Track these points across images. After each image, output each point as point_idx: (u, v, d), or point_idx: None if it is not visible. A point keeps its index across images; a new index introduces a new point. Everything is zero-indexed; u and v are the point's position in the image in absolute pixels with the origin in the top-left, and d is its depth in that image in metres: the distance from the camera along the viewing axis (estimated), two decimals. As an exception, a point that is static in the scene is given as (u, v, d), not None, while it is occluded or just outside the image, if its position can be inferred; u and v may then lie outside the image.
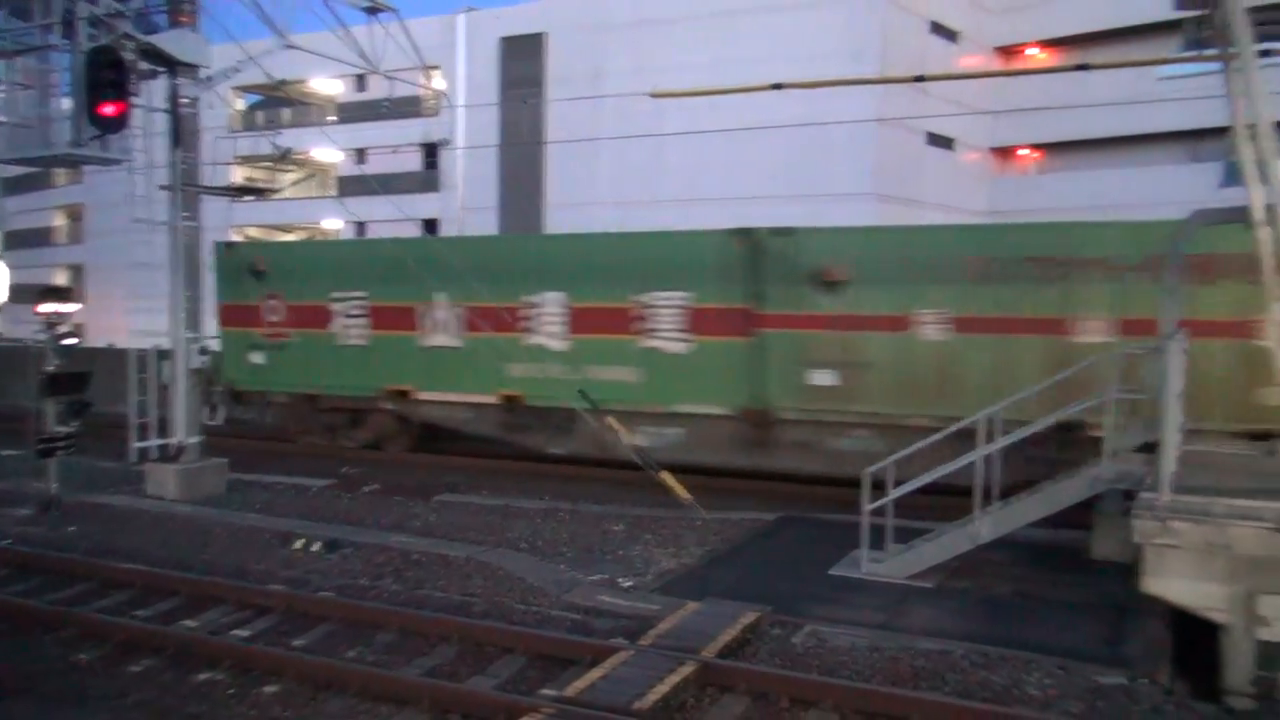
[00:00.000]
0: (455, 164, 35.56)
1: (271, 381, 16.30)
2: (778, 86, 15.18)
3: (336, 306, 15.67)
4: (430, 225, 34.93)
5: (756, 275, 12.94)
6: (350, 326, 15.61)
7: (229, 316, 16.59)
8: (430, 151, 37.20)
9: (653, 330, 13.59)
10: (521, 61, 34.46)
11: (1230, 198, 8.51)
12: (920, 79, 14.40)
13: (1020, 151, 35.35)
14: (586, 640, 7.56)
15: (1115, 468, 8.58)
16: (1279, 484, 7.52)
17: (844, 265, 12.50)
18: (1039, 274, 11.73)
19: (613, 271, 13.80)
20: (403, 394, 15.19)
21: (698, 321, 13.29)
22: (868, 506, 9.20)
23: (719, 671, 6.89)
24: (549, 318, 14.27)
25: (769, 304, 12.92)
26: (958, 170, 33.24)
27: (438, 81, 33.62)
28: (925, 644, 7.62)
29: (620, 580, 9.52)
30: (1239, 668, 6.53)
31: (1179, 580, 6.74)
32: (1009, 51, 34.23)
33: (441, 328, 14.87)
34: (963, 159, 33.79)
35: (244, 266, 16.28)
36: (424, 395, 15.05)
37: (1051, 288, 11.71)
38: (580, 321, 14.00)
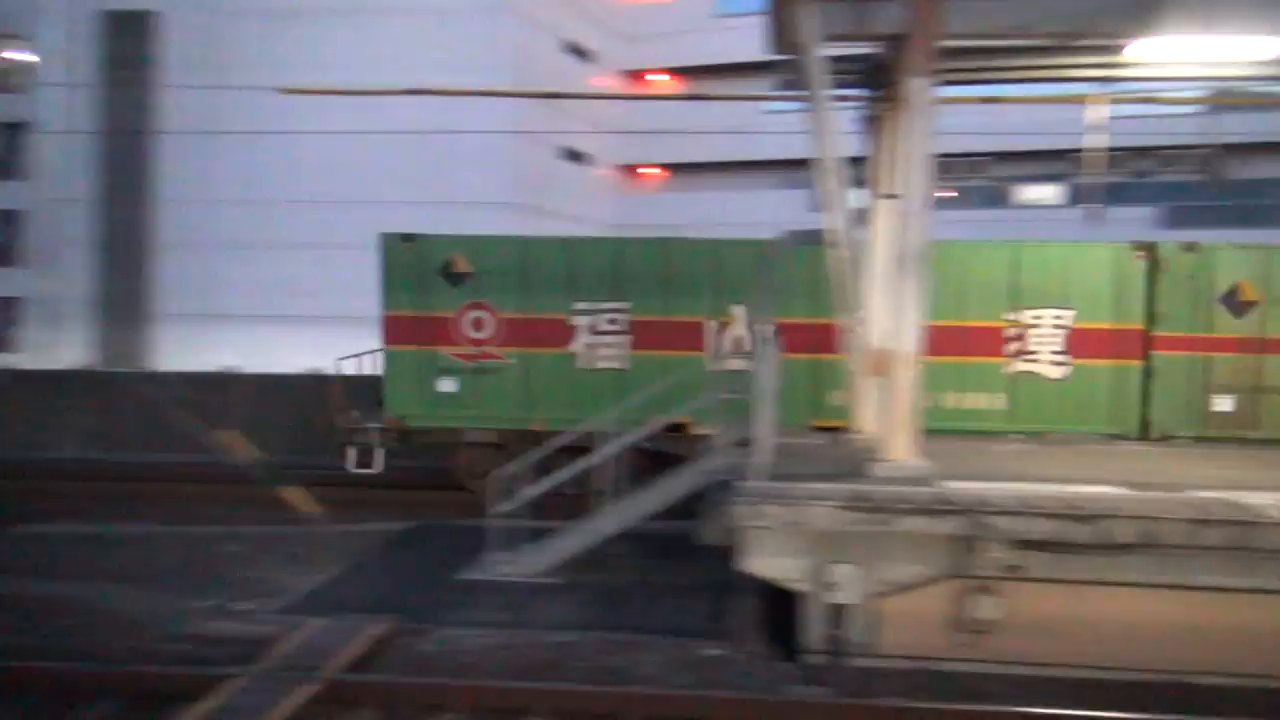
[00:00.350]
0: (44, 149, 31.25)
1: (468, 416, 12.90)
2: (415, 92, 15.16)
3: (580, 320, 12.77)
4: (6, 217, 30.46)
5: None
6: (599, 346, 12.77)
7: (400, 331, 12.91)
8: (11, 134, 32.38)
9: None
10: (127, 40, 31.05)
11: (817, 221, 9.77)
12: (553, 95, 14.98)
13: (647, 170, 37.90)
14: (195, 671, 6.98)
15: (720, 461, 9.45)
16: (844, 468, 8.78)
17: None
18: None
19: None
20: (679, 428, 11.56)
21: None
22: (497, 510, 9.44)
23: (344, 687, 6.68)
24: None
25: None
26: (590, 185, 34.92)
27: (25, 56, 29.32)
28: (553, 637, 7.98)
29: (237, 604, 8.91)
30: (814, 629, 7.49)
31: (768, 558, 7.58)
32: (637, 76, 36.57)
33: (739, 348, 12.20)
34: (595, 174, 35.56)
35: (431, 267, 12.84)
36: (704, 429, 10.97)
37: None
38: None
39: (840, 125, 9.23)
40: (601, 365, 12.71)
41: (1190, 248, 12.12)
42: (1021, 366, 12.24)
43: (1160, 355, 12.12)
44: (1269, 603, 7.34)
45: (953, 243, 12.04)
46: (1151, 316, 12.09)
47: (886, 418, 8.80)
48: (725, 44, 32.77)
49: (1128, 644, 7.44)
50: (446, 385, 12.82)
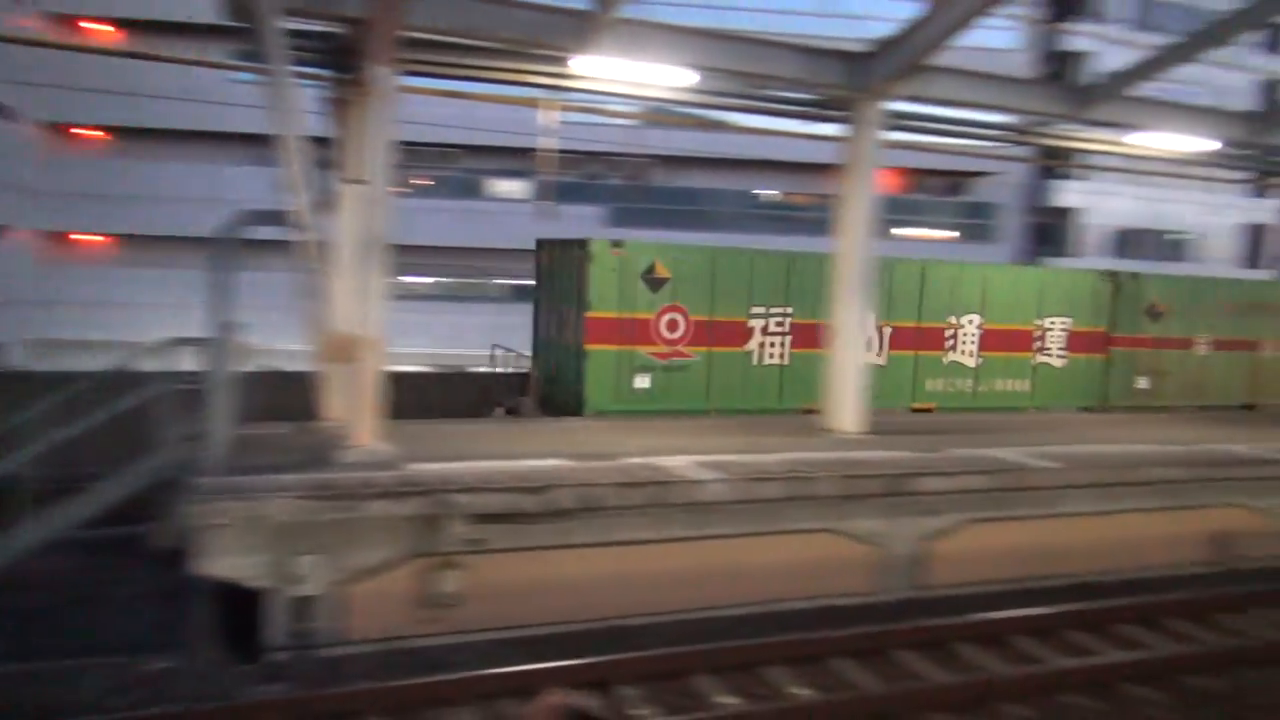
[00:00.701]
0: None
1: (654, 408, 13.30)
2: None
3: (755, 323, 13.77)
4: None
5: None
6: (769, 345, 13.88)
7: (601, 332, 12.95)
8: None
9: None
10: None
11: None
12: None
13: (87, 132, 33.19)
14: None
15: (170, 457, 8.66)
16: (308, 457, 8.58)
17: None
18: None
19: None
20: (811, 411, 12.94)
21: None
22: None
23: None
24: (965, 337, 15.13)
25: None
26: (7, 142, 29.67)
27: None
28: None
29: None
30: (279, 625, 7.24)
31: (227, 557, 7.15)
32: (70, 22, 31.78)
33: (869, 346, 13.45)
34: (16, 130, 30.29)
35: (634, 271, 13.09)
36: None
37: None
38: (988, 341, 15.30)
39: (303, 103, 8.93)
40: (768, 362, 13.93)
41: (1134, 276, 16.43)
42: (1040, 359, 15.71)
43: (1116, 350, 16.24)
44: (681, 549, 8.70)
45: (1001, 266, 17.25)
46: (1111, 323, 16.16)
47: (352, 403, 8.77)
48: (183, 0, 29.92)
49: (577, 600, 8.31)
50: (642, 382, 13.29)
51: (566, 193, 27.63)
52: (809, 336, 13.75)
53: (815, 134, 13.63)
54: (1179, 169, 16.77)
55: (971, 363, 15.33)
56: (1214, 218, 41.33)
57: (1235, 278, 21.07)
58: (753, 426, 12.46)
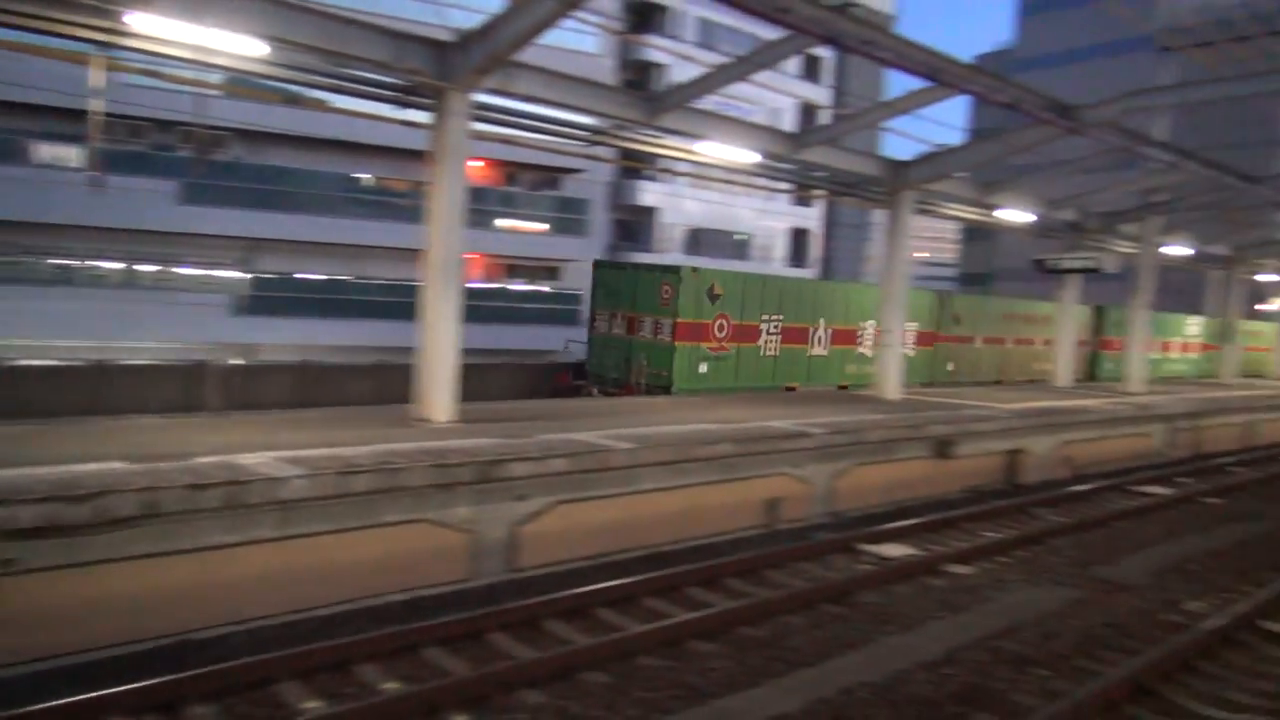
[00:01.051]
0: None
1: (711, 385, 18.60)
2: None
3: (763, 326, 19.61)
4: None
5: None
6: (769, 341, 19.87)
7: (685, 332, 18.32)
8: None
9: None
10: None
11: None
12: None
13: None
14: None
15: None
16: None
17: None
18: None
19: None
20: (791, 389, 19.89)
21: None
22: None
23: None
24: (868, 336, 21.51)
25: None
26: None
27: None
28: None
29: None
30: None
31: None
32: None
33: (819, 343, 20.86)
34: None
35: (703, 290, 18.34)
36: (800, 388, 20.39)
37: None
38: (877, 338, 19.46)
39: None
40: (767, 354, 19.81)
41: (949, 294, 24.80)
42: (904, 351, 19.91)
43: (938, 345, 23.94)
44: (266, 550, 8.17)
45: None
46: (936, 326, 23.85)
47: None
48: None
49: (141, 616, 7.48)
50: (703, 368, 18.57)
51: (131, 163, 24.69)
52: (790, 336, 20.25)
53: (410, 120, 13.41)
54: (737, 177, 18.83)
55: (870, 354, 21.04)
56: (770, 222, 47.05)
57: (988, 295, 28.69)
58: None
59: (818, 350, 20.97)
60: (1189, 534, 12.99)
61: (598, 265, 20.47)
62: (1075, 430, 18.09)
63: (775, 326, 19.84)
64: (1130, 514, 14.07)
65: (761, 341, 19.66)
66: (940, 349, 23.93)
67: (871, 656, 7.95)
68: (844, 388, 21.13)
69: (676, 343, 18.13)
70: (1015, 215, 21.01)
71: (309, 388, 19.67)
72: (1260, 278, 32.84)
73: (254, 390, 18.61)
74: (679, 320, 18.17)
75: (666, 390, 17.93)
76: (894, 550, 11.30)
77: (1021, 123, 15.54)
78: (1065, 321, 24.13)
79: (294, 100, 13.96)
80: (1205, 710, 7.18)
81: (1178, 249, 25.89)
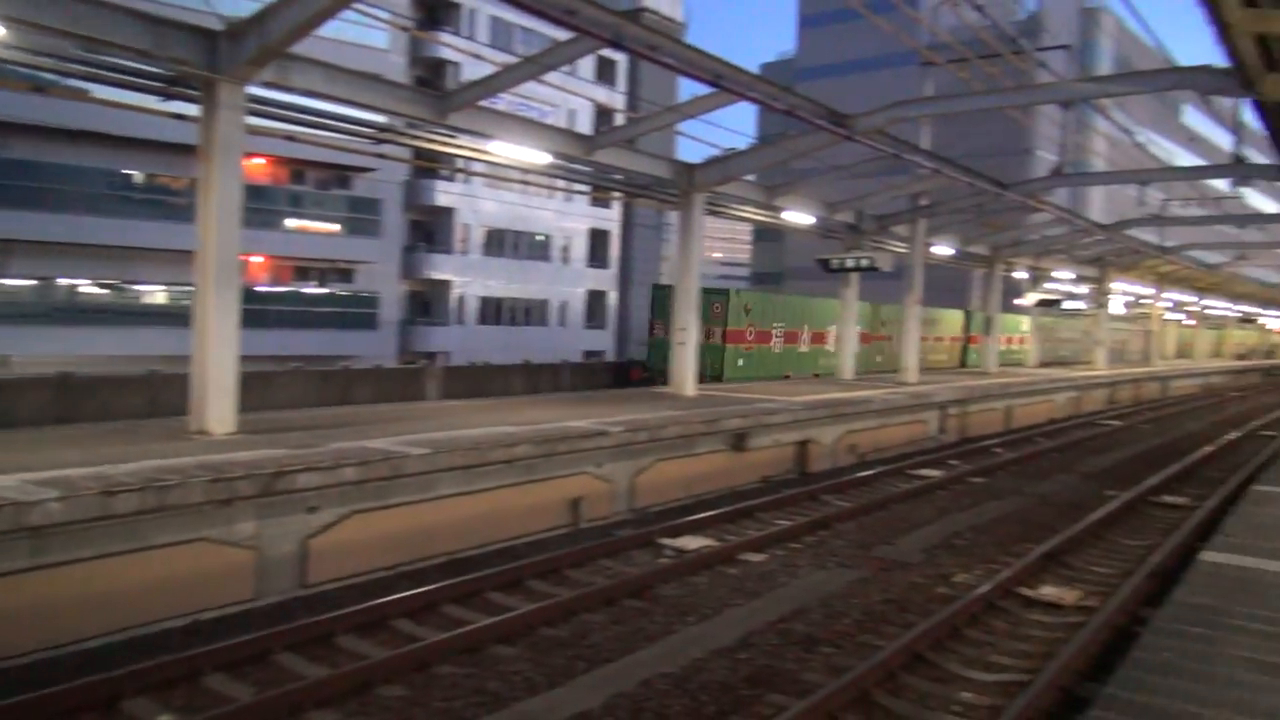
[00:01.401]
0: None
1: (746, 375, 24.73)
2: None
3: (774, 331, 26.04)
4: None
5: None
6: (777, 342, 26.15)
7: (731, 335, 24.48)
8: None
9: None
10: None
11: None
12: None
13: None
14: None
15: None
16: None
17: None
18: None
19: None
20: (787, 377, 25.68)
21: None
22: None
23: None
24: (830, 338, 27.76)
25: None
26: None
27: None
28: None
29: None
30: None
31: None
32: None
33: (804, 343, 27.18)
34: None
35: (741, 306, 24.92)
36: (793, 373, 26.37)
37: None
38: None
39: None
40: (775, 351, 26.27)
41: (878, 305, 30.19)
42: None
43: (872, 343, 29.61)
44: (17, 581, 7.41)
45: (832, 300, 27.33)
46: (870, 328, 29.67)
47: None
48: None
49: None
50: (741, 362, 24.97)
51: None
52: (789, 338, 26.58)
53: (180, 114, 12.52)
54: (534, 178, 18.76)
55: (833, 350, 27.26)
56: (570, 223, 47.24)
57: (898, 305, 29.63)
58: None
59: (804, 348, 27.28)
60: (957, 512, 14.07)
61: (656, 287, 26.79)
62: (858, 420, 19.21)
63: (780, 331, 26.38)
64: (906, 496, 15.08)
65: (772, 342, 26.16)
66: (874, 346, 29.99)
67: (670, 648, 8.12)
68: (818, 376, 27.20)
69: (726, 344, 24.57)
70: (799, 217, 22.12)
71: (74, 402, 17.95)
72: (1016, 275, 36.04)
73: (4, 408, 16.84)
74: (728, 328, 24.54)
75: (718, 379, 23.76)
76: (693, 542, 11.59)
77: (801, 129, 16.34)
78: (848, 318, 25.65)
79: (41, 89, 12.70)
80: (970, 673, 7.79)
81: (943, 248, 28.04)
